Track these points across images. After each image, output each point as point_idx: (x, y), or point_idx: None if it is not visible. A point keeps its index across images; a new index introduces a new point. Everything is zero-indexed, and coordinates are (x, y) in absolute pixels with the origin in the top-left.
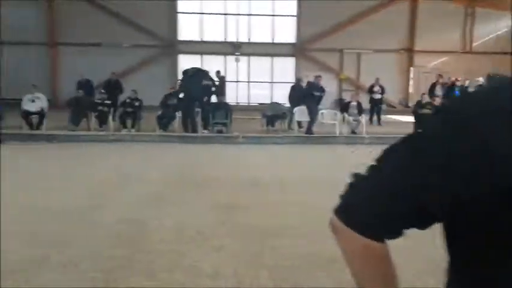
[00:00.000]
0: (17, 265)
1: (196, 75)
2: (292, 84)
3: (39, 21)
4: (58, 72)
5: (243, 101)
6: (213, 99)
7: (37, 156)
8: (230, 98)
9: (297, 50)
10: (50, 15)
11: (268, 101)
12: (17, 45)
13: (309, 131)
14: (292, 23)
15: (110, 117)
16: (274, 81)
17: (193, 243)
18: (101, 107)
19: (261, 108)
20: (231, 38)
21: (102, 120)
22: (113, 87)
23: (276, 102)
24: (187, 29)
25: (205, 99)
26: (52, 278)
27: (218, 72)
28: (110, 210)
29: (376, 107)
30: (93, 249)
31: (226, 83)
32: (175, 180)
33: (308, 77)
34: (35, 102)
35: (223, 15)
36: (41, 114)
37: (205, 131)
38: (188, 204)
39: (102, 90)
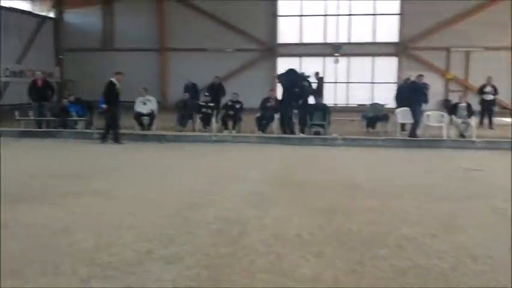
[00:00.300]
0: (123, 259)
1: (293, 76)
2: (400, 83)
3: (151, 30)
4: (167, 77)
5: (341, 102)
6: (311, 100)
7: (148, 155)
8: (328, 99)
9: (400, 49)
10: (161, 24)
11: (367, 102)
12: (130, 51)
13: (412, 133)
14: (394, 21)
15: (213, 119)
16: (375, 81)
17: (293, 246)
18: (205, 109)
19: (360, 109)
20: (331, 39)
21: (206, 122)
22: (216, 90)
23: (377, 103)
24: (286, 32)
25: (302, 100)
26: (156, 272)
27: (317, 73)
28: (212, 208)
29: (488, 109)
30: (195, 245)
31: (325, 84)
32: (274, 181)
33: (411, 76)
34: (146, 105)
35: (323, 17)
36: (151, 115)
37: (302, 134)
38: (287, 206)
39: (206, 93)
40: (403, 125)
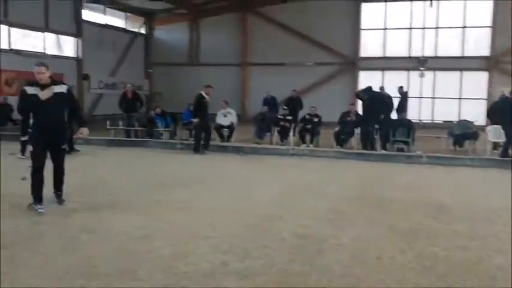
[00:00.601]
0: (198, 269)
1: (376, 92)
2: (492, 99)
3: (233, 45)
4: (247, 90)
5: (426, 118)
6: (394, 115)
7: (227, 166)
8: (412, 114)
9: (491, 63)
10: (243, 39)
11: (454, 119)
12: (214, 66)
13: (504, 153)
14: (485, 34)
15: (291, 133)
16: (462, 97)
17: (372, 269)
18: (283, 123)
19: (446, 126)
20: (416, 53)
21: (284, 135)
22: (293, 103)
23: (466, 120)
24: (369, 45)
25: (383, 116)
26: (229, 286)
27: (401, 87)
28: (288, 222)
29: None
30: (271, 260)
31: (409, 99)
32: (354, 197)
33: (505, 92)
34: (226, 117)
35: (408, 30)
36: (231, 127)
37: (384, 150)
38: (367, 225)
39: (285, 107)
40: (495, 144)
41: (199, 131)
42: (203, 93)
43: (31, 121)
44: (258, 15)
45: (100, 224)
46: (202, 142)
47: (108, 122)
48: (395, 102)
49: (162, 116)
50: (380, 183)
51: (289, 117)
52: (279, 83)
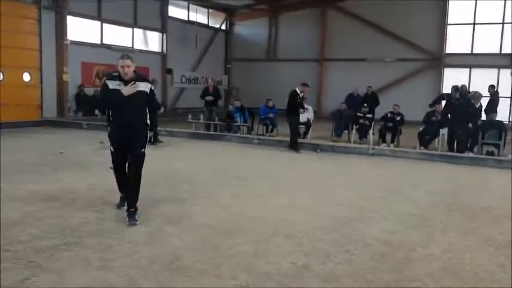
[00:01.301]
0: (280, 269)
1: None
2: None
3: (312, 40)
4: (324, 86)
5: None
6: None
7: (304, 163)
8: (503, 115)
9: None
10: (323, 34)
11: None
12: (291, 61)
13: None
14: None
15: (371, 131)
16: None
17: (469, 284)
18: (362, 120)
19: None
20: (508, 50)
21: (362, 134)
22: (370, 100)
23: None
24: (455, 41)
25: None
26: None
27: (492, 86)
28: (371, 226)
29: None
30: (354, 266)
31: (500, 99)
32: (441, 203)
33: None
34: (303, 114)
35: (500, 25)
36: (307, 124)
37: (472, 153)
38: (459, 235)
39: (365, 104)
40: None
41: (295, 128)
42: (297, 90)
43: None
44: (338, 9)
45: (183, 216)
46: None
47: (189, 116)
48: (484, 102)
49: (240, 110)
50: (469, 190)
51: (370, 115)
52: (358, 79)
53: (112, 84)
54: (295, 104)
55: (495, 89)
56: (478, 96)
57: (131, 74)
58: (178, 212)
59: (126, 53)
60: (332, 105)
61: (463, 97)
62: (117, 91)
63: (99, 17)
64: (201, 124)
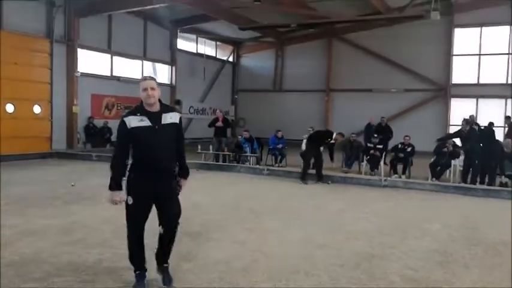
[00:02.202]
0: None
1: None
2: None
3: (317, 71)
4: (330, 117)
5: None
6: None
7: (317, 195)
8: None
9: None
10: (328, 65)
11: None
12: (297, 92)
13: None
14: None
15: (382, 162)
16: None
17: None
18: (373, 151)
19: None
20: None
21: (374, 164)
22: (384, 131)
23: None
24: (462, 72)
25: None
26: None
27: (508, 118)
28: (394, 263)
29: None
30: None
31: None
32: (461, 237)
33: None
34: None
35: (507, 55)
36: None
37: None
38: (483, 271)
39: (375, 135)
40: None
41: (308, 160)
42: (334, 135)
43: (129, 161)
44: (344, 41)
45: (198, 252)
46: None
47: (199, 146)
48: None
49: (249, 140)
50: (488, 223)
51: (380, 146)
52: (365, 109)
53: (133, 122)
54: (323, 142)
55: (511, 120)
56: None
57: (156, 101)
58: (193, 248)
59: (149, 75)
60: None
61: (485, 129)
62: (142, 129)
63: (109, 49)
64: (210, 155)
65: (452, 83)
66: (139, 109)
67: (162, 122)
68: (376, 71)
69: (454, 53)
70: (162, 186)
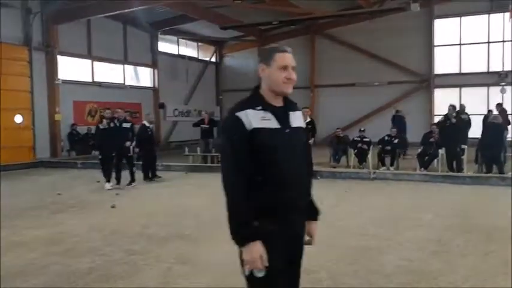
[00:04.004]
0: None
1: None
2: None
3: (301, 68)
4: (316, 112)
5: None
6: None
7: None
8: None
9: None
10: (312, 62)
11: None
12: None
13: None
14: None
15: (370, 155)
16: None
17: None
18: (360, 145)
19: None
20: (495, 68)
21: (362, 158)
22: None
23: None
24: (444, 62)
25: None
26: None
27: (499, 105)
28: (389, 255)
29: None
30: None
31: None
32: (455, 226)
33: None
34: None
35: (486, 44)
36: None
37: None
38: (478, 258)
39: (393, 129)
40: None
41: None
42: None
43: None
44: (326, 36)
45: (193, 254)
46: None
47: (186, 149)
48: None
49: None
50: (478, 209)
51: (367, 139)
52: (350, 103)
53: (255, 120)
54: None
55: (502, 107)
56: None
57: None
58: (188, 251)
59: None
60: (325, 130)
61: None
62: (269, 132)
63: (89, 55)
64: (198, 157)
65: (435, 73)
66: (257, 99)
67: (292, 124)
68: (359, 65)
69: (435, 44)
70: (301, 237)
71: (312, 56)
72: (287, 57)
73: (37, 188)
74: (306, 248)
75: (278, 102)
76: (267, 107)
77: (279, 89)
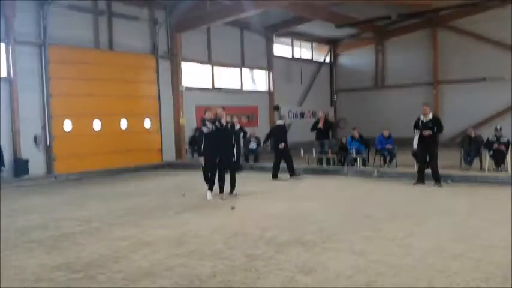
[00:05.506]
0: None
1: None
2: None
3: (423, 63)
4: (441, 110)
5: None
6: None
7: (434, 197)
8: None
9: None
10: (434, 56)
11: None
12: (401, 87)
13: None
14: None
15: (508, 157)
16: None
17: None
18: (496, 145)
19: None
20: None
21: (499, 160)
22: None
23: None
24: None
25: None
26: None
27: None
28: None
29: None
30: None
31: None
32: None
33: None
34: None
35: None
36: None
37: None
38: None
39: (499, 127)
40: None
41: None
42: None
43: None
44: (449, 28)
45: (316, 263)
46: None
47: (301, 150)
48: None
49: (356, 140)
50: None
51: (504, 139)
52: (478, 100)
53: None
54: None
55: None
56: None
57: None
58: (309, 259)
59: None
60: (452, 130)
61: None
62: None
63: (209, 60)
64: (313, 158)
65: None
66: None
67: None
68: (489, 58)
69: None
70: None
71: (435, 51)
72: None
73: (163, 188)
74: (446, 263)
75: None
76: None
77: None
